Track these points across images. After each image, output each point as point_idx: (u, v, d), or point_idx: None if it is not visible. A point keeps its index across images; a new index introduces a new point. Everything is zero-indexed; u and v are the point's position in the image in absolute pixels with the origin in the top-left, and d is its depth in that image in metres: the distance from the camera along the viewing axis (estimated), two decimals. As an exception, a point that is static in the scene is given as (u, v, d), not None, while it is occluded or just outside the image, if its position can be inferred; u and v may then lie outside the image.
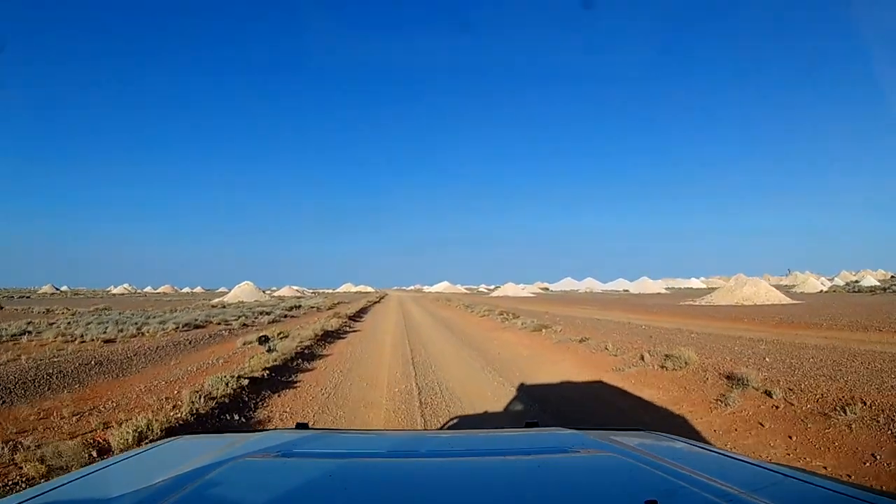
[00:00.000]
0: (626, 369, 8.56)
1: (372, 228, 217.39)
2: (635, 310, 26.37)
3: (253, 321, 19.81)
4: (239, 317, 20.30)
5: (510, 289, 60.65)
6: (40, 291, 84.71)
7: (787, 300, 30.31)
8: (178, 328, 16.46)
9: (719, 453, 1.43)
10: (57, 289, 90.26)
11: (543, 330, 15.29)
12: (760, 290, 33.06)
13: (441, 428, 5.39)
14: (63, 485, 1.09)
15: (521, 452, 1.35)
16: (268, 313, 23.04)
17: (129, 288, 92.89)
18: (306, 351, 11.58)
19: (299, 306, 30.24)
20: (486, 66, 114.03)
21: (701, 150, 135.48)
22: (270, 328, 17.15)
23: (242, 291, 41.81)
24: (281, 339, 13.61)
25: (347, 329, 17.85)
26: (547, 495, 0.99)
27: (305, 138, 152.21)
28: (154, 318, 19.66)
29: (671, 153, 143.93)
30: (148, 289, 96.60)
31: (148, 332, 15.35)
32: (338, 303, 39.77)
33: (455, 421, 5.72)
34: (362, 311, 28.45)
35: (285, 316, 23.45)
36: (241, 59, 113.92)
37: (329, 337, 14.55)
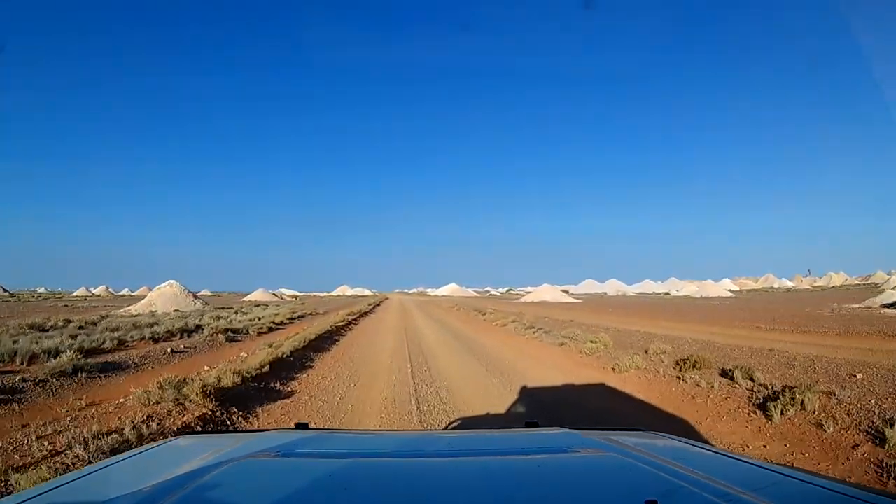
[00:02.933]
0: None
1: (372, 229, 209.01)
2: (832, 330, 12.01)
3: None
4: None
5: (546, 291, 45.19)
6: (-16, 293, 72.20)
7: None
8: None
9: (719, 453, 1.41)
10: (5, 290, 78.35)
11: None
12: None
13: (442, 428, 5.06)
14: (63, 485, 1.06)
15: (521, 452, 1.34)
16: (56, 355, 8.66)
17: (104, 290, 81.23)
18: None
19: (197, 329, 15.38)
20: (486, 66, 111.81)
21: (707, 150, 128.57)
22: None
23: (161, 296, 27.44)
24: None
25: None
26: (547, 495, 0.97)
27: (304, 138, 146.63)
28: None
29: (676, 153, 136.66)
30: (125, 291, 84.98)
31: None
32: (303, 315, 25.30)
33: (457, 422, 5.38)
34: (327, 341, 13.98)
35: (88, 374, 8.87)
36: (239, 59, 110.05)
37: None
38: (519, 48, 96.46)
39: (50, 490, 1.01)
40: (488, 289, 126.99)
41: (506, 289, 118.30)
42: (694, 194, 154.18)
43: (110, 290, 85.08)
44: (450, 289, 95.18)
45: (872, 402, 5.33)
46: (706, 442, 2.95)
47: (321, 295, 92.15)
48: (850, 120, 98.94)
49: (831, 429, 4.84)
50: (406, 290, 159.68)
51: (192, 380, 6.26)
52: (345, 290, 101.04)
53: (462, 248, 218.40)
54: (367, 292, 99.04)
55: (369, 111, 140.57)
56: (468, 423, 5.27)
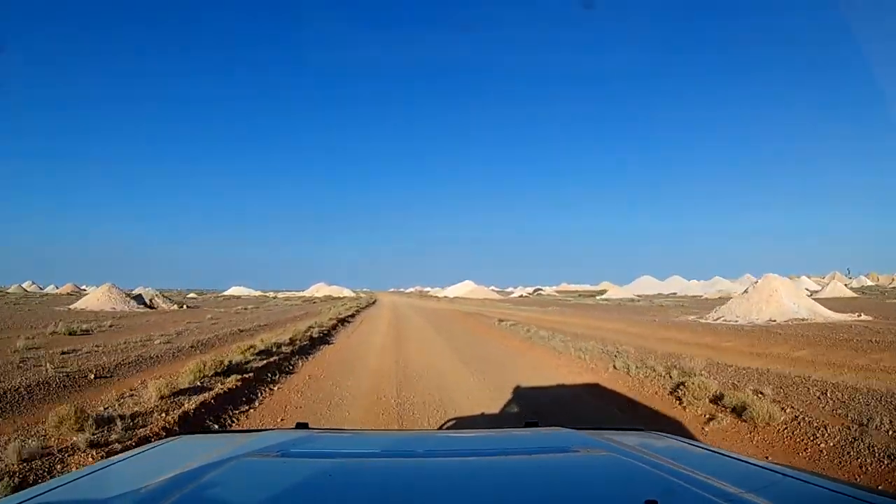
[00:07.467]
0: None
1: (366, 224, 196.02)
2: None
3: None
4: None
5: (783, 288, 18.27)
6: None
7: None
8: None
9: (719, 453, 1.39)
10: None
11: None
12: None
13: (440, 428, 5.01)
14: (63, 485, 1.04)
15: (521, 452, 1.33)
16: None
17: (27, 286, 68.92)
18: None
19: None
20: (486, 65, 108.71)
21: (711, 149, 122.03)
22: None
23: None
24: None
25: None
26: (546, 495, 0.97)
27: (302, 135, 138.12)
28: None
29: (683, 152, 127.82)
30: (50, 287, 74.10)
31: None
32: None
33: (453, 422, 5.35)
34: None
35: None
36: (237, 58, 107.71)
37: None
38: (519, 48, 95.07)
39: (50, 490, 0.99)
40: (502, 288, 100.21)
41: (532, 288, 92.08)
42: (708, 195, 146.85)
43: (37, 284, 73.00)
44: (466, 288, 69.03)
45: None
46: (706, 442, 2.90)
47: (273, 296, 64.21)
48: (850, 120, 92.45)
49: None
50: (403, 290, 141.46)
51: None
52: (318, 290, 74.22)
53: (463, 244, 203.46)
54: (346, 292, 71.62)
55: (369, 109, 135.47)
56: (464, 422, 5.23)
